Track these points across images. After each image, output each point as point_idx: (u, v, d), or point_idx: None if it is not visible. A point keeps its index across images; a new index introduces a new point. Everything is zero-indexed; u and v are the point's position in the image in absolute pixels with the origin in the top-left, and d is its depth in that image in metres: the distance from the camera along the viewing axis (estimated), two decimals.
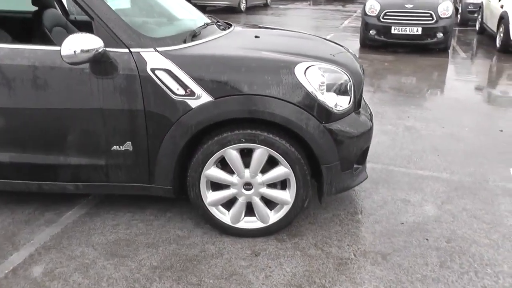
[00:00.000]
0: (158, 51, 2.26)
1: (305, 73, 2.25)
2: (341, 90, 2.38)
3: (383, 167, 3.43)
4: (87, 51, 2.10)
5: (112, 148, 2.37)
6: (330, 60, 2.52)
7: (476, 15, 10.85)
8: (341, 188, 2.49)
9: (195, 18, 3.08)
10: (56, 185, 2.52)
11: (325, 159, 2.30)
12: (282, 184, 2.43)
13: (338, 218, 2.72)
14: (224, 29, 2.97)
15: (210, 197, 2.42)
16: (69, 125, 2.35)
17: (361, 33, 8.85)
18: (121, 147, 2.36)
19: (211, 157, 2.29)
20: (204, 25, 2.85)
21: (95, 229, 2.61)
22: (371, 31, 8.44)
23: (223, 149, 2.27)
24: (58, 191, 2.56)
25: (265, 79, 2.20)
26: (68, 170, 2.45)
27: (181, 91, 2.22)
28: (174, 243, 2.48)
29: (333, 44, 3.13)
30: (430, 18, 7.99)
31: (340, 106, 2.34)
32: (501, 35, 8.03)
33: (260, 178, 2.34)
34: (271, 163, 2.34)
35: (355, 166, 2.51)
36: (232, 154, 2.28)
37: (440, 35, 7.94)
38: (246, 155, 2.33)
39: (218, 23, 3.10)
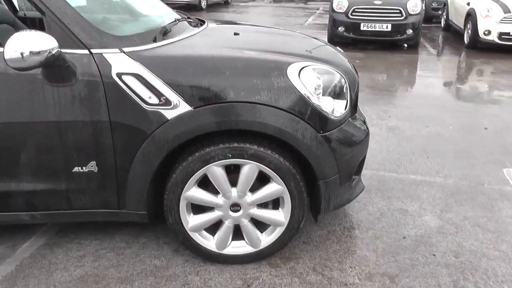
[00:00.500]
0: (124, 52, 1.90)
1: (299, 75, 1.95)
2: (337, 93, 2.11)
3: (373, 173, 3.19)
4: (38, 53, 1.72)
5: (73, 170, 1.99)
6: (321, 59, 2.23)
7: (440, 12, 10.95)
8: (339, 204, 2.22)
9: (163, 14, 2.72)
10: (7, 216, 2.11)
11: (323, 173, 2.02)
12: (274, 202, 2.12)
13: (334, 235, 2.44)
14: (196, 26, 2.63)
15: (191, 221, 2.08)
16: (19, 144, 1.95)
17: (329, 30, 8.68)
18: (84, 168, 1.99)
19: (191, 176, 1.96)
20: (175, 21, 2.51)
21: (57, 264, 2.22)
22: (339, 28, 8.28)
23: (206, 167, 1.94)
24: (10, 223, 2.16)
25: (253, 83, 1.88)
26: (21, 198, 2.05)
27: (154, 100, 1.87)
28: (152, 275, 2.12)
29: (317, 41, 2.86)
30: (400, 15, 7.91)
31: (337, 112, 2.06)
32: (469, 31, 8.05)
33: (250, 197, 2.03)
34: (261, 179, 2.03)
35: (352, 177, 2.24)
36: (216, 172, 1.96)
37: (409, 31, 7.87)
38: (232, 171, 2.01)
39: (189, 20, 2.75)
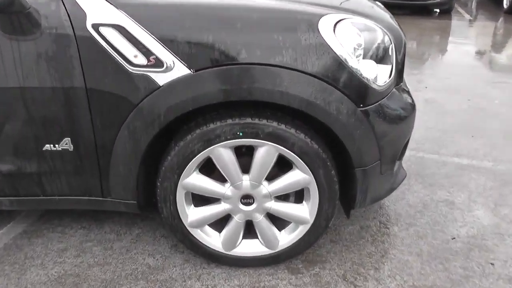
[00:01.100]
0: None
1: (334, 30, 1.46)
2: (380, 56, 1.62)
3: (412, 154, 2.72)
4: None
5: (44, 148, 1.58)
6: (359, 13, 1.73)
7: None
8: (378, 197, 1.77)
9: None
10: None
11: (362, 159, 1.56)
12: (297, 194, 1.69)
13: (368, 232, 2.01)
14: None
15: (191, 215, 1.66)
16: None
17: None
18: (56, 146, 1.57)
19: (191, 159, 1.52)
20: None
21: (33, 259, 1.85)
22: None
23: (210, 148, 1.50)
24: None
25: (273, 40, 1.41)
26: None
27: (141, 60, 1.41)
28: (143, 279, 1.73)
29: None
30: None
31: (381, 80, 1.58)
32: None
33: (266, 188, 1.59)
34: (281, 164, 1.59)
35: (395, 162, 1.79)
36: (223, 155, 1.51)
37: None
38: (243, 154, 1.57)
39: None
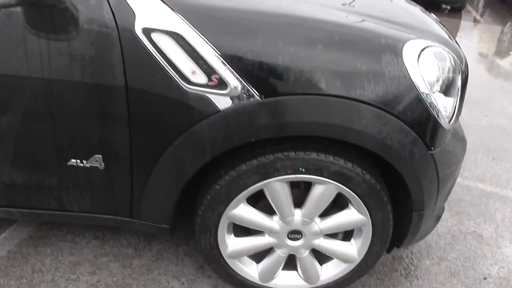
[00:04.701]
0: None
1: (418, 61, 1.30)
2: (446, 88, 1.46)
3: None
4: None
5: (69, 163, 1.37)
6: (430, 35, 1.54)
7: None
8: (424, 235, 1.67)
9: None
10: None
11: (421, 204, 1.43)
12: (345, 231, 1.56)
13: (401, 264, 1.90)
14: None
15: (231, 246, 1.51)
16: None
17: None
18: (84, 162, 1.37)
19: (242, 191, 1.35)
20: None
21: (42, 273, 1.69)
22: None
23: (265, 181, 1.33)
24: None
25: (355, 69, 1.23)
26: None
27: (199, 78, 1.22)
28: None
29: (410, 5, 2.08)
30: None
31: (449, 116, 1.44)
32: None
33: (318, 225, 1.44)
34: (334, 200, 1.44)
35: None
36: (279, 190, 1.35)
37: None
38: (295, 186, 1.42)
39: None
